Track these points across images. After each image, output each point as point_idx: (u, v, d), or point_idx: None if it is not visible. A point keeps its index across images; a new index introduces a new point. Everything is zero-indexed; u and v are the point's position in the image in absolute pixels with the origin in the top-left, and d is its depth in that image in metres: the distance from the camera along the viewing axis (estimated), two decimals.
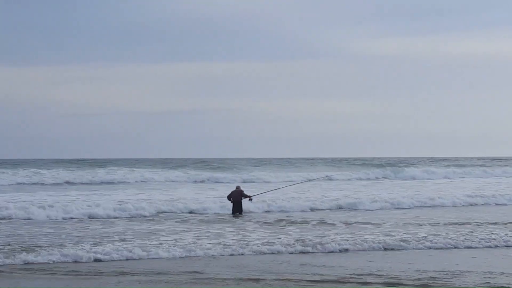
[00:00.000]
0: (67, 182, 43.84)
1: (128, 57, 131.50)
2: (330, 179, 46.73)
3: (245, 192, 25.52)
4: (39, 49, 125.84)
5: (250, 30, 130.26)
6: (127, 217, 23.54)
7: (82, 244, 16.25)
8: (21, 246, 15.89)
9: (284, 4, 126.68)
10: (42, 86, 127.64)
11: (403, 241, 17.62)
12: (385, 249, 16.90)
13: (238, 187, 25.91)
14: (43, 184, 42.59)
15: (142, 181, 45.87)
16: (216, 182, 46.88)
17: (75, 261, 14.62)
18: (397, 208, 28.32)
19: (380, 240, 17.76)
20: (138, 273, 13.14)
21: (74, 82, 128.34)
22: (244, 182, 43.34)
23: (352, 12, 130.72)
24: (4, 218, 22.39)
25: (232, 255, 15.87)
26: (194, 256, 15.54)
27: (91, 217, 23.38)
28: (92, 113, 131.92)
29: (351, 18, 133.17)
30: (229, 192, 25.97)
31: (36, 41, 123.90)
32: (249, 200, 25.30)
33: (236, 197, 25.15)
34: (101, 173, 49.07)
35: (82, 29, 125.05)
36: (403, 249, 16.91)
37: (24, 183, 42.69)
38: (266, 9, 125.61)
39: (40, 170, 50.38)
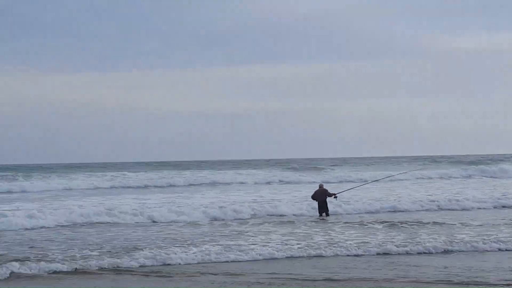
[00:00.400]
0: (154, 185, 44.48)
1: (212, 59, 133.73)
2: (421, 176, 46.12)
3: (329, 191, 25.01)
4: (121, 56, 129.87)
5: (338, 30, 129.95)
6: (210, 219, 23.30)
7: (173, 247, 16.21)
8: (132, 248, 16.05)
9: (365, 3, 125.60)
10: (126, 91, 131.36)
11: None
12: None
13: (321, 186, 25.28)
14: (137, 187, 43.51)
15: (226, 184, 46.04)
16: (300, 183, 46.64)
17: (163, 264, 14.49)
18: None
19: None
20: (217, 273, 13.02)
21: (156, 87, 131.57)
22: (327, 182, 42.76)
23: (436, 6, 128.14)
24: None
25: (320, 256, 15.49)
26: (279, 258, 15.25)
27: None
28: (173, 115, 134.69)
29: (434, 13, 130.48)
30: (312, 192, 25.56)
31: (119, 49, 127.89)
32: (334, 197, 24.72)
33: (320, 197, 24.61)
34: (187, 175, 50.11)
35: (161, 34, 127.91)
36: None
37: (120, 186, 43.74)
38: (351, 9, 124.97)
39: (127, 172, 52.06)
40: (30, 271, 13.09)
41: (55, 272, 13.19)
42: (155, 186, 43.85)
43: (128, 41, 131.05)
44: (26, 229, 20.35)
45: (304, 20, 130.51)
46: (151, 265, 14.08)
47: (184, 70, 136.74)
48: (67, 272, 13.22)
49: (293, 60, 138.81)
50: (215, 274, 13.02)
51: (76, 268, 13.35)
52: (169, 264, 14.26)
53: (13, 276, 12.68)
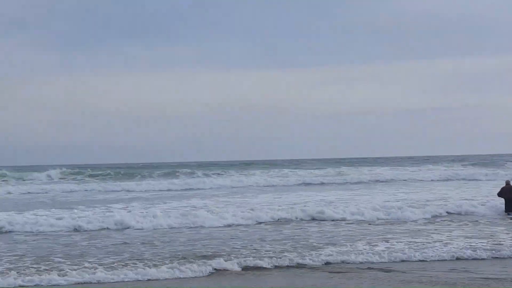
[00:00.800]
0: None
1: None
2: None
3: None
4: (297, 52, 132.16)
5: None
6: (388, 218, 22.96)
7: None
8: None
9: None
10: (301, 88, 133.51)
11: None
12: None
13: (508, 183, 24.28)
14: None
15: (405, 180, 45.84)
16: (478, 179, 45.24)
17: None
18: None
19: None
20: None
21: (332, 83, 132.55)
22: None
23: None
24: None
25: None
26: (466, 258, 15.08)
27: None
28: (352, 112, 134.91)
29: None
30: (498, 189, 24.66)
31: (296, 44, 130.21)
32: None
33: (507, 194, 23.66)
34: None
35: (336, 29, 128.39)
36: None
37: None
38: None
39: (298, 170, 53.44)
40: (233, 267, 13.92)
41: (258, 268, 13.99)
42: (332, 183, 44.70)
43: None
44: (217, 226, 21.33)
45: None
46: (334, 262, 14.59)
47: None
48: (266, 268, 13.98)
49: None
50: (403, 272, 13.16)
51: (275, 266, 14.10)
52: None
53: (216, 273, 13.55)
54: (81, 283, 12.73)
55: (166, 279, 13.06)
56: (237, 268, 13.87)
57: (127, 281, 12.86)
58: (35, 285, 12.49)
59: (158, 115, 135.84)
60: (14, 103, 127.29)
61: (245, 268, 13.89)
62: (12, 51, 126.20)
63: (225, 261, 14.21)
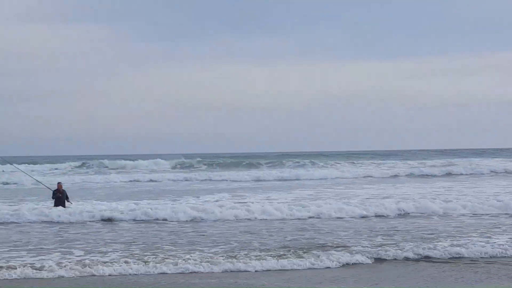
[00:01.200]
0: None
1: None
2: None
3: None
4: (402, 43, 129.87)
5: None
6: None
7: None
8: None
9: None
10: (405, 78, 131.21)
11: None
12: None
13: None
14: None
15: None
16: None
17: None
18: None
19: None
20: None
21: (434, 75, 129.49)
22: None
23: None
24: None
25: None
26: None
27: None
28: (456, 103, 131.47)
29: None
30: None
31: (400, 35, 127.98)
32: None
33: None
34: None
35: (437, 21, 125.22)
36: None
37: None
38: None
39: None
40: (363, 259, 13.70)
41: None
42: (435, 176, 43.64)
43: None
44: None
45: None
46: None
47: None
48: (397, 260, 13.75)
49: None
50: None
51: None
52: None
53: (347, 266, 13.30)
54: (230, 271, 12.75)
55: (308, 268, 12.96)
56: (367, 260, 13.69)
57: (264, 270, 12.88)
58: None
59: (260, 105, 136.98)
60: (117, 94, 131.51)
61: (377, 260, 13.72)
62: (116, 41, 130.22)
63: (355, 253, 14.07)
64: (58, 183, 23.26)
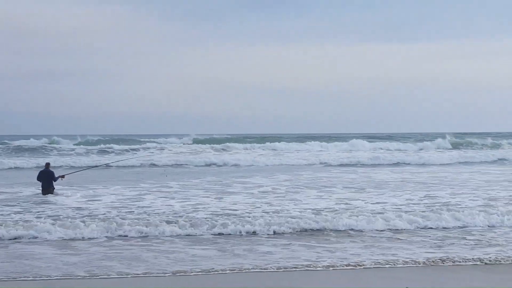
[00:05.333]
0: None
1: None
2: None
3: None
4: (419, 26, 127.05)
5: None
6: None
7: None
8: None
9: None
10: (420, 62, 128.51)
11: None
12: None
13: None
14: None
15: None
16: None
17: None
18: None
19: None
20: None
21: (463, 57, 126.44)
22: None
23: None
24: None
25: None
26: None
27: None
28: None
29: None
30: None
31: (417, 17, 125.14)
32: None
33: None
34: None
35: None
36: None
37: None
38: None
39: None
40: None
41: None
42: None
43: None
44: None
45: None
46: None
47: None
48: None
49: None
50: None
51: None
52: None
53: None
54: None
55: None
56: None
57: None
58: None
59: (290, 88, 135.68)
60: (140, 75, 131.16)
61: None
62: (140, 22, 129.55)
63: None
64: (46, 163, 21.84)
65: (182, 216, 15.37)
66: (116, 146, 48.57)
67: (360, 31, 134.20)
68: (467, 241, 12.97)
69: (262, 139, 57.55)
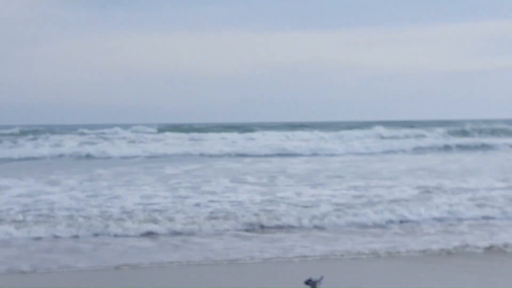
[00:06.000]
0: None
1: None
2: None
3: None
4: (340, 13, 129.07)
5: None
6: None
7: None
8: None
9: None
10: (344, 49, 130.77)
11: None
12: None
13: None
14: None
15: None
16: None
17: None
18: None
19: None
20: None
21: (373, 45, 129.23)
22: None
23: None
24: None
25: None
26: None
27: None
28: (390, 74, 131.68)
29: None
30: None
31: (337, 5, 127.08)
32: None
33: None
34: None
35: None
36: None
37: None
38: None
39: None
40: None
41: None
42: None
43: None
44: None
45: None
46: None
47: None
48: None
49: None
50: None
51: None
52: None
53: None
54: None
55: None
56: None
57: None
58: None
59: (196, 75, 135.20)
60: (48, 62, 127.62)
61: None
62: (49, 8, 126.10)
63: None
64: None
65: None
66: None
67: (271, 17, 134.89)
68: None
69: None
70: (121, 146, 40.69)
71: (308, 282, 6.83)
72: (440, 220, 14.26)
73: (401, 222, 14.07)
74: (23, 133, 47.80)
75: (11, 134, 47.22)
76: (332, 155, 36.16)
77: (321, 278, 6.91)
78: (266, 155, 35.50)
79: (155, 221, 13.61)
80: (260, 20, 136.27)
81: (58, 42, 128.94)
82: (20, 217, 14.18)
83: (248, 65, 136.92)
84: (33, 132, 47.88)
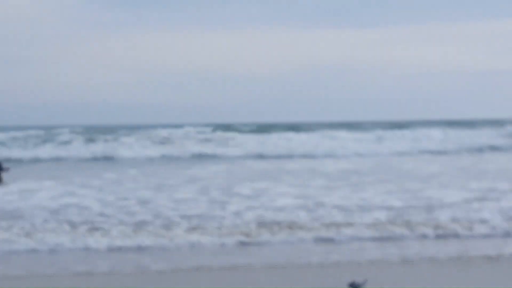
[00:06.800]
0: None
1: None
2: None
3: None
4: (373, 11, 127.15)
5: None
6: None
7: None
8: None
9: None
10: (377, 47, 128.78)
11: None
12: None
13: None
14: None
15: None
16: None
17: None
18: None
19: None
20: None
21: (407, 42, 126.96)
22: None
23: None
24: None
25: None
26: None
27: None
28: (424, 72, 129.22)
29: None
30: None
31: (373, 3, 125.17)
32: None
33: None
34: None
35: None
36: None
37: None
38: None
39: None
40: None
41: None
42: None
43: None
44: None
45: None
46: None
47: None
48: None
49: None
50: None
51: None
52: None
53: None
54: None
55: None
56: None
57: None
58: None
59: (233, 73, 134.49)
60: (81, 61, 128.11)
61: None
62: (83, 7, 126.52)
63: None
64: None
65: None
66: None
67: (306, 17, 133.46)
68: None
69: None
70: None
71: (351, 284, 6.86)
72: None
73: None
74: (96, 131, 47.84)
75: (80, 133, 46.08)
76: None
77: (365, 281, 6.86)
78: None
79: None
80: (296, 18, 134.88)
81: (101, 42, 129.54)
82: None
83: (285, 64, 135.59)
84: (102, 131, 47.95)
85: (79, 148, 38.90)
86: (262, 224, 12.81)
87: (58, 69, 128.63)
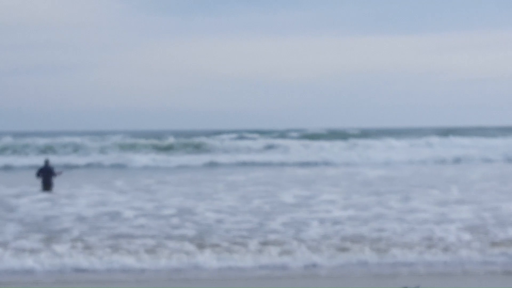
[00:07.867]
0: None
1: None
2: None
3: None
4: (427, 17, 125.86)
5: None
6: None
7: None
8: None
9: None
10: (430, 53, 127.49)
11: None
12: None
13: None
14: None
15: None
16: None
17: None
18: None
19: None
20: None
21: (460, 49, 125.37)
22: None
23: None
24: None
25: None
26: None
27: None
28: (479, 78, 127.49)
29: None
30: None
31: (423, 9, 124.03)
32: None
33: None
34: None
35: None
36: None
37: None
38: None
39: None
40: None
41: None
42: None
43: None
44: None
45: None
46: None
47: None
48: None
49: None
50: None
51: None
52: None
53: None
54: None
55: None
56: None
57: None
58: None
59: (280, 80, 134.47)
60: (133, 67, 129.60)
61: None
62: (133, 14, 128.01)
63: None
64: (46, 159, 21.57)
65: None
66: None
67: (355, 23, 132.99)
68: None
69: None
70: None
71: None
72: None
73: None
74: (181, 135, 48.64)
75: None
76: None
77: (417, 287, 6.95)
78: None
79: None
80: (342, 25, 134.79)
81: (148, 47, 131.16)
82: None
83: (333, 70, 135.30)
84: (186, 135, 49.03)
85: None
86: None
87: (104, 75, 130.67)
